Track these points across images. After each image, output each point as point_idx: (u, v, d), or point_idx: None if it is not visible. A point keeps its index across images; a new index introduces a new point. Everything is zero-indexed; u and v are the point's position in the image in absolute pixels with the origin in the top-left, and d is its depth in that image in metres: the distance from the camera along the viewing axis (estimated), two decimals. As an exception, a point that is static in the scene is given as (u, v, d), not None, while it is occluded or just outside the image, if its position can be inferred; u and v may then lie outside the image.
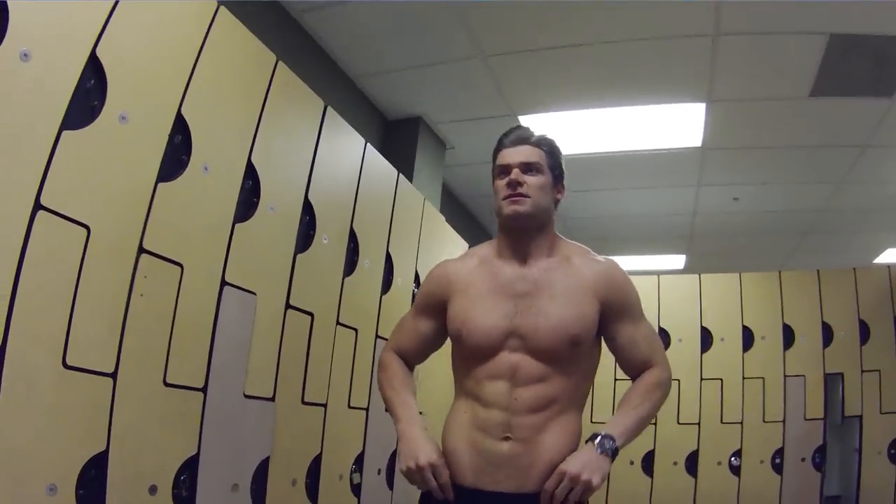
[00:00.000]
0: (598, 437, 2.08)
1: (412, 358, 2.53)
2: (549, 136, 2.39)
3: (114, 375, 2.25)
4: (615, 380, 5.92)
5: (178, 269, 2.54)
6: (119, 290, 2.31)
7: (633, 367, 2.31)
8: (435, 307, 2.41)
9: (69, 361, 2.10)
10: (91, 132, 2.19)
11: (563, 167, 2.39)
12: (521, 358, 2.17)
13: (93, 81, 2.21)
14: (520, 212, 2.24)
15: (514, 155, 2.30)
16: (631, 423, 2.19)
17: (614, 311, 2.27)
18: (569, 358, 2.19)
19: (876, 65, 4.89)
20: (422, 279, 4.20)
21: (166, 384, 2.48)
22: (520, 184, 2.24)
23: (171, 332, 2.51)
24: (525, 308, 2.21)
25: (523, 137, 2.33)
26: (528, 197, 2.24)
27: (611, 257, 2.39)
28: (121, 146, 2.30)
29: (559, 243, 2.38)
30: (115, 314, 2.29)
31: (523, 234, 2.31)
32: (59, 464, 2.07)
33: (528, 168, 2.28)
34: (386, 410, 2.54)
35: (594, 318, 2.23)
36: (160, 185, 2.46)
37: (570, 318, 2.18)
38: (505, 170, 2.29)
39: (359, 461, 3.70)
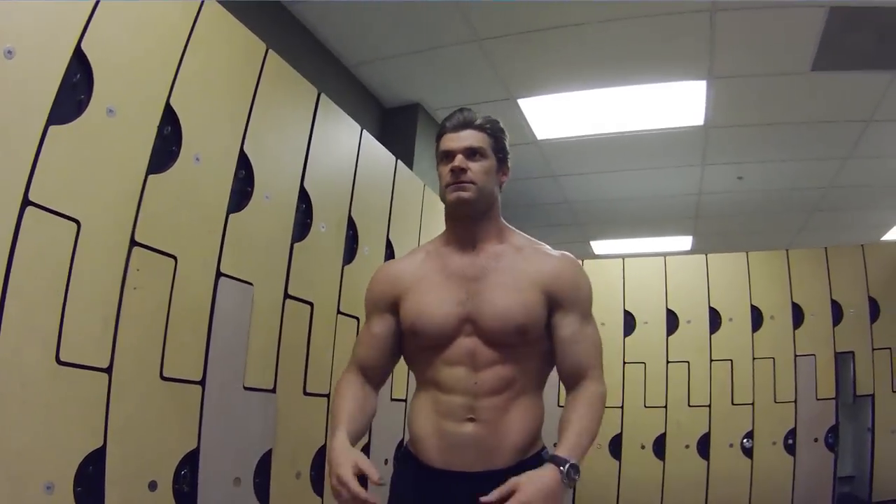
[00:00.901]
0: (567, 467, 1.91)
1: (374, 370, 2.29)
2: (493, 117, 2.30)
3: (109, 370, 2.24)
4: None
5: (172, 261, 2.52)
6: (112, 284, 2.29)
7: (570, 368, 2.18)
8: (386, 307, 2.29)
9: (63, 357, 2.08)
10: (78, 126, 2.17)
11: (508, 148, 2.32)
12: (476, 342, 2.13)
13: (79, 76, 2.20)
14: (464, 198, 2.17)
15: (457, 140, 2.22)
16: (586, 445, 2.04)
17: (561, 302, 2.18)
18: (520, 343, 2.14)
19: (878, 37, 4.80)
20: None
21: (163, 378, 2.46)
22: (463, 170, 2.17)
23: (167, 325, 2.49)
24: (475, 293, 2.16)
25: (466, 121, 2.24)
26: (473, 183, 2.17)
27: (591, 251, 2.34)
28: (109, 139, 2.28)
29: (508, 232, 2.33)
30: (108, 308, 2.27)
31: (469, 221, 2.25)
32: (56, 462, 2.06)
33: (471, 153, 2.20)
34: None
35: (540, 308, 2.16)
36: (151, 176, 2.44)
37: (516, 307, 2.13)
38: (448, 155, 2.22)
39: (364, 451, 3.65)
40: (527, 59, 5.27)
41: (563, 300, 2.18)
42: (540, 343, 2.18)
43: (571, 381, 2.17)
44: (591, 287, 2.29)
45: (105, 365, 2.23)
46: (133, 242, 2.35)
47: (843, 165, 7.04)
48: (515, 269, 2.20)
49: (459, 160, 2.17)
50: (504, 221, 2.33)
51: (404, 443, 2.31)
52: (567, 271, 2.25)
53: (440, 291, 2.19)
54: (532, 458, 2.10)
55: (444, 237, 2.33)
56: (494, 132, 2.26)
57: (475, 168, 2.18)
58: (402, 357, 2.34)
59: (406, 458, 2.25)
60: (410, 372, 2.33)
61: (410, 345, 2.25)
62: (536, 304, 2.15)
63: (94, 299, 2.22)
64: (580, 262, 2.28)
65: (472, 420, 2.08)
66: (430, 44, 5.14)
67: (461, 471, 2.07)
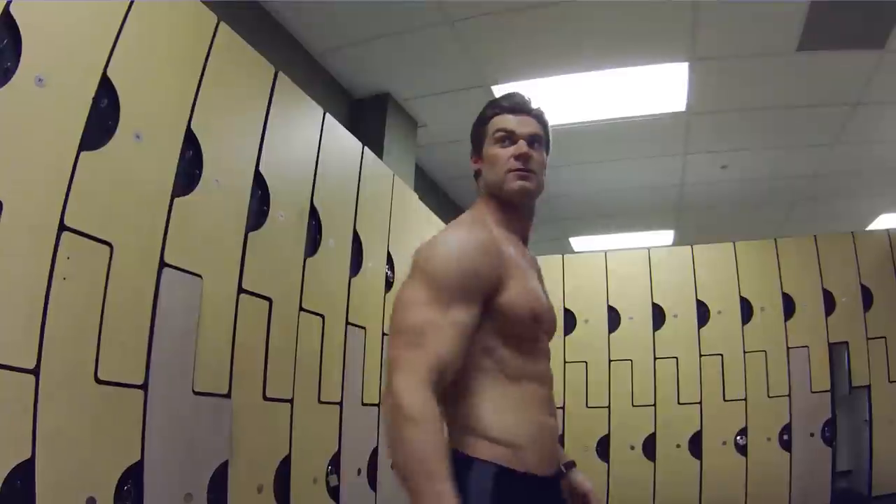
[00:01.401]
0: None
1: (452, 374, 1.77)
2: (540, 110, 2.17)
3: (35, 372, 2.01)
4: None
5: (107, 248, 2.28)
6: (37, 273, 2.06)
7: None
8: (487, 287, 1.87)
9: None
10: (4, 95, 1.99)
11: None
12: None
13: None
14: (528, 189, 2.04)
15: (520, 124, 2.06)
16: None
17: None
18: None
19: (865, 14, 4.69)
20: (395, 260, 3.93)
21: (98, 381, 2.21)
22: (530, 157, 2.03)
23: (101, 321, 2.24)
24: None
25: (526, 106, 2.10)
26: (536, 174, 2.05)
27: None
28: (37, 111, 2.08)
29: None
30: (33, 301, 2.03)
31: (524, 211, 2.12)
32: None
33: (533, 141, 2.06)
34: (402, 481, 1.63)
35: None
36: (83, 154, 2.21)
37: None
38: (509, 137, 2.05)
39: (335, 461, 3.44)
40: (499, 42, 5.10)
41: None
42: None
43: None
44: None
45: (31, 366, 1.99)
46: (62, 227, 2.12)
47: (829, 152, 6.94)
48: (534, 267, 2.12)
49: (526, 147, 2.03)
50: None
51: (466, 453, 1.80)
52: None
53: (532, 279, 2.02)
54: None
55: (499, 222, 2.07)
56: (546, 126, 2.15)
57: (537, 158, 2.06)
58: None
59: (497, 473, 1.79)
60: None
61: (509, 332, 1.90)
62: None
63: (16, 289, 1.99)
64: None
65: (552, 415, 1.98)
66: (398, 27, 4.94)
67: (552, 475, 1.94)
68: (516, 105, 2.10)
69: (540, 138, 2.08)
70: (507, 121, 2.07)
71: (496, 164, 2.05)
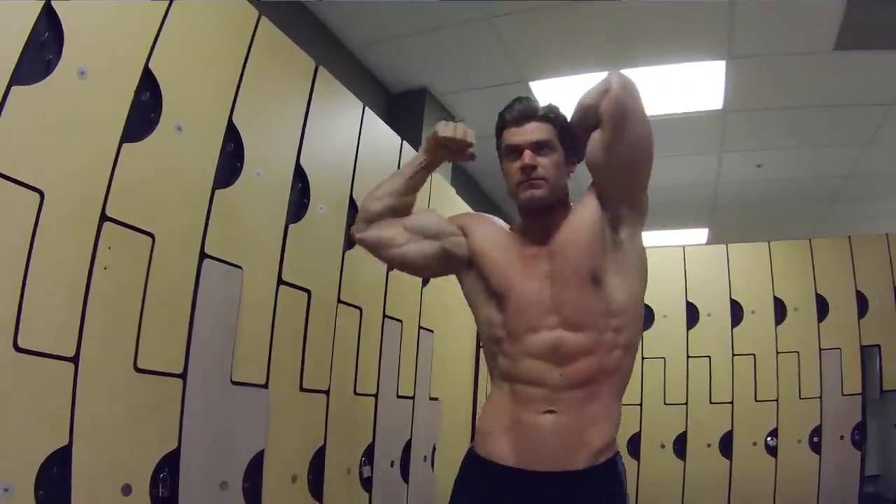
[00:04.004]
0: None
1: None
2: (554, 103, 2.24)
3: (75, 360, 2.02)
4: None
5: (149, 239, 2.29)
6: (79, 263, 2.07)
7: None
8: (453, 230, 2.33)
9: (21, 344, 1.87)
10: (46, 88, 1.97)
11: (573, 134, 2.21)
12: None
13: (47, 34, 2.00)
14: (537, 196, 2.13)
15: (522, 134, 2.16)
16: None
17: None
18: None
19: (904, 14, 4.60)
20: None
21: (137, 370, 2.23)
22: (533, 167, 2.12)
23: (142, 311, 2.25)
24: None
25: (528, 112, 2.18)
26: (545, 180, 2.13)
27: None
28: (79, 102, 2.08)
29: None
30: (74, 290, 2.04)
31: (545, 213, 2.19)
32: (15, 461, 1.86)
33: (539, 147, 2.14)
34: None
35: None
36: (125, 145, 2.22)
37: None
38: (514, 150, 2.16)
39: (368, 453, 3.45)
40: (538, 39, 5.09)
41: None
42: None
43: None
44: None
45: (71, 353, 2.00)
46: (104, 217, 2.12)
47: (864, 152, 6.86)
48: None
49: (529, 157, 2.11)
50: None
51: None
52: None
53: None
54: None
55: (520, 228, 2.29)
56: (560, 121, 2.20)
57: (545, 163, 2.13)
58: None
59: (467, 457, 2.22)
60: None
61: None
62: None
63: (58, 279, 1.99)
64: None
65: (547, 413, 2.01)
66: (437, 23, 4.96)
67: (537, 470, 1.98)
68: (518, 115, 2.17)
69: (547, 142, 2.14)
70: (511, 134, 2.17)
71: (509, 179, 2.19)
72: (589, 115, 2.08)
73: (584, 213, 2.13)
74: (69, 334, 2.01)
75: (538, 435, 1.97)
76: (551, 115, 2.18)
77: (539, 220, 2.18)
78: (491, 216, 2.39)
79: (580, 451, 1.95)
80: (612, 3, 4.63)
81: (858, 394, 5.34)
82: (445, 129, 2.29)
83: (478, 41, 5.13)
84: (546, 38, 5.07)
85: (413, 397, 3.87)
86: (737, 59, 5.25)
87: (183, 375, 2.38)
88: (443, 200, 4.40)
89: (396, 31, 5.08)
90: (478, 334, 2.28)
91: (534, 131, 2.14)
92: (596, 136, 2.06)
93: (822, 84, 5.64)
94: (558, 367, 2.00)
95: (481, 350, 2.38)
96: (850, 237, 5.67)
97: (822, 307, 5.57)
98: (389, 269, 3.66)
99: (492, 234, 2.26)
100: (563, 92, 5.62)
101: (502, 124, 2.21)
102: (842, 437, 5.29)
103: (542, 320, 2.04)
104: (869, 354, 5.41)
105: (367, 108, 3.64)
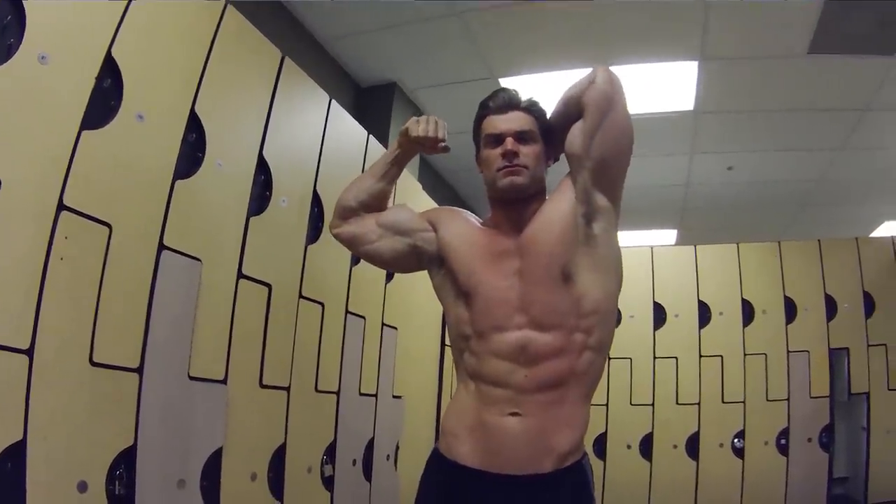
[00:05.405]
0: None
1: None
2: (534, 98, 2.22)
3: (29, 353, 1.96)
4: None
5: (106, 229, 2.23)
6: (35, 253, 2.01)
7: None
8: (424, 226, 2.33)
9: None
10: (5, 73, 1.95)
11: (553, 130, 2.21)
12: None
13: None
14: (518, 183, 2.12)
15: (506, 122, 2.14)
16: None
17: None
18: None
19: (878, 19, 4.64)
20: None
21: (93, 363, 2.17)
22: (516, 154, 2.11)
23: (98, 303, 2.19)
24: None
25: (513, 102, 2.17)
26: (526, 168, 2.12)
27: None
28: (38, 89, 2.04)
29: None
30: (30, 280, 1.99)
31: (520, 204, 2.16)
32: None
33: (521, 137, 2.13)
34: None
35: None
36: (84, 133, 2.17)
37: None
38: (497, 139, 2.14)
39: (330, 451, 3.39)
40: (508, 35, 5.07)
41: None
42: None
43: None
44: None
45: (25, 346, 1.95)
46: (61, 206, 2.08)
47: (835, 157, 6.92)
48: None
49: (511, 143, 2.11)
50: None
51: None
52: None
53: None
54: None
55: (492, 222, 2.26)
56: (541, 115, 2.20)
57: (526, 152, 2.13)
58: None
59: (431, 457, 2.20)
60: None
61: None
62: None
63: (13, 269, 1.95)
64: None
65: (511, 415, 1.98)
66: (407, 17, 4.90)
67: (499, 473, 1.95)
68: (502, 103, 2.16)
69: (529, 132, 2.13)
70: (494, 122, 2.15)
71: (489, 166, 2.16)
72: (571, 105, 2.10)
73: (558, 206, 2.10)
74: (24, 326, 1.96)
75: (504, 438, 1.93)
76: (533, 108, 2.17)
77: (512, 212, 2.16)
78: (463, 211, 2.37)
79: (547, 455, 1.92)
80: (583, 1, 4.61)
81: (826, 396, 5.39)
82: (417, 128, 2.30)
83: (448, 37, 5.10)
84: (517, 35, 5.04)
85: (376, 395, 3.81)
86: (710, 59, 5.24)
87: (139, 370, 2.33)
88: (410, 197, 4.35)
89: (367, 26, 5.03)
90: (443, 332, 2.26)
91: (517, 120, 2.13)
92: (578, 126, 2.07)
93: (795, 87, 5.66)
94: (524, 367, 1.96)
95: (447, 347, 2.34)
96: (819, 240, 5.72)
97: (791, 310, 5.61)
98: (353, 264, 3.63)
99: (462, 230, 2.23)
100: (533, 89, 5.53)
101: (484, 113, 2.20)
102: (809, 440, 5.35)
103: (509, 320, 2.01)
104: (837, 357, 5.48)
105: (333, 101, 3.59)
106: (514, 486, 1.91)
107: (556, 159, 2.25)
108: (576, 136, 2.07)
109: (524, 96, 2.19)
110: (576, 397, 2.00)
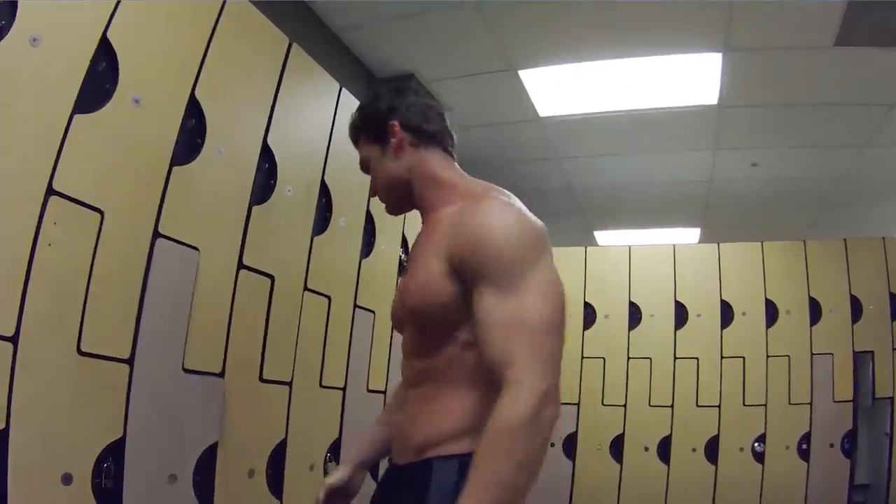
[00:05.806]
0: None
1: None
2: (358, 104, 2.08)
3: (14, 340, 1.94)
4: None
5: (98, 215, 2.20)
6: (22, 238, 1.99)
7: (487, 366, 1.61)
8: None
9: None
10: None
11: (380, 113, 1.95)
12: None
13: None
14: (390, 213, 2.07)
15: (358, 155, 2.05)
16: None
17: (466, 273, 1.68)
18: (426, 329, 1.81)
19: (908, 11, 4.49)
20: (410, 243, 3.79)
21: (81, 353, 2.13)
22: (375, 192, 2.02)
23: (88, 291, 2.16)
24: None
25: (351, 138, 2.05)
26: (381, 197, 2.02)
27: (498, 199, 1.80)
28: (29, 71, 2.02)
29: (453, 196, 1.88)
30: (16, 266, 1.97)
31: (423, 215, 1.95)
32: None
33: (365, 167, 2.02)
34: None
35: (440, 283, 1.71)
36: (77, 116, 2.14)
37: (413, 289, 1.80)
38: None
39: (334, 449, 3.34)
40: (529, 26, 4.95)
41: (467, 268, 1.67)
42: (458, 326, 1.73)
43: (496, 384, 1.60)
44: (510, 242, 1.65)
45: (10, 333, 1.93)
46: (50, 191, 2.04)
47: (863, 153, 6.72)
48: (427, 241, 1.83)
49: (371, 182, 2.02)
50: (452, 182, 1.94)
51: None
52: (466, 226, 1.70)
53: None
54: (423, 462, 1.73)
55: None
56: (362, 123, 2.00)
57: (375, 182, 2.00)
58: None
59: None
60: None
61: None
62: (434, 278, 1.72)
63: None
64: (506, 210, 1.73)
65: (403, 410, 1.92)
66: (424, 7, 4.80)
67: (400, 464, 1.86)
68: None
69: (364, 159, 1.99)
70: None
71: None
72: None
73: (430, 247, 1.78)
74: (9, 313, 1.94)
75: (397, 428, 1.91)
76: (357, 125, 2.01)
77: (424, 223, 1.95)
78: None
79: (405, 446, 1.80)
80: (605, -9, 4.52)
81: (850, 401, 5.31)
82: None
83: (466, 28, 4.99)
84: (537, 26, 4.94)
85: (385, 392, 3.76)
86: (734, 51, 5.10)
87: (130, 360, 2.29)
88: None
89: (382, 15, 4.95)
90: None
91: (360, 150, 2.01)
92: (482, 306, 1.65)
93: (821, 81, 5.50)
94: (410, 361, 1.87)
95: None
96: (845, 240, 5.66)
97: (815, 311, 5.54)
98: (363, 256, 3.59)
99: None
100: (554, 81, 5.53)
101: None
102: (831, 445, 5.27)
103: (400, 325, 1.95)
104: (862, 360, 5.39)
105: (343, 90, 3.53)
106: (392, 474, 1.89)
107: (417, 134, 1.94)
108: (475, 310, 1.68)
109: (352, 113, 2.03)
110: (449, 386, 1.75)
